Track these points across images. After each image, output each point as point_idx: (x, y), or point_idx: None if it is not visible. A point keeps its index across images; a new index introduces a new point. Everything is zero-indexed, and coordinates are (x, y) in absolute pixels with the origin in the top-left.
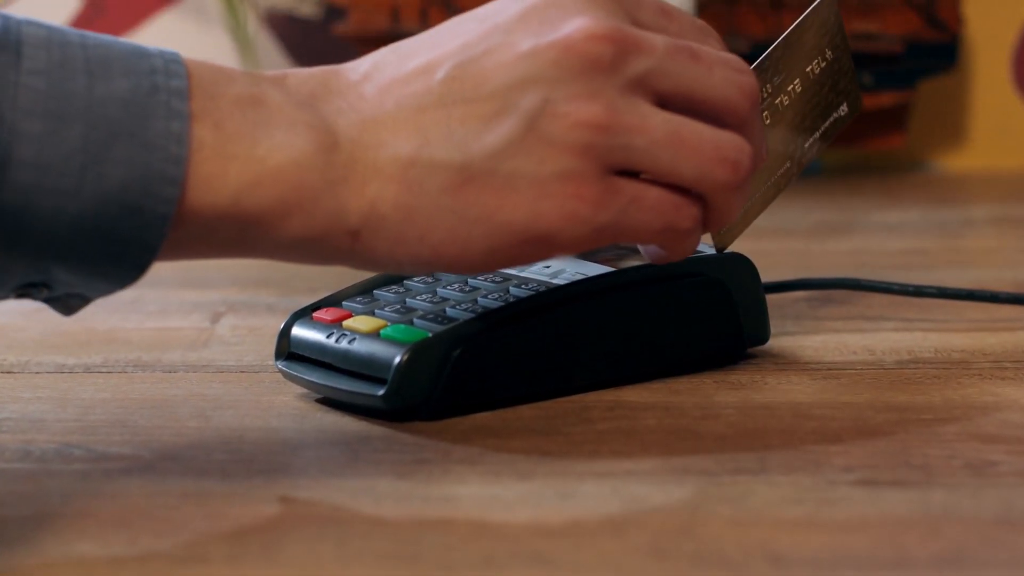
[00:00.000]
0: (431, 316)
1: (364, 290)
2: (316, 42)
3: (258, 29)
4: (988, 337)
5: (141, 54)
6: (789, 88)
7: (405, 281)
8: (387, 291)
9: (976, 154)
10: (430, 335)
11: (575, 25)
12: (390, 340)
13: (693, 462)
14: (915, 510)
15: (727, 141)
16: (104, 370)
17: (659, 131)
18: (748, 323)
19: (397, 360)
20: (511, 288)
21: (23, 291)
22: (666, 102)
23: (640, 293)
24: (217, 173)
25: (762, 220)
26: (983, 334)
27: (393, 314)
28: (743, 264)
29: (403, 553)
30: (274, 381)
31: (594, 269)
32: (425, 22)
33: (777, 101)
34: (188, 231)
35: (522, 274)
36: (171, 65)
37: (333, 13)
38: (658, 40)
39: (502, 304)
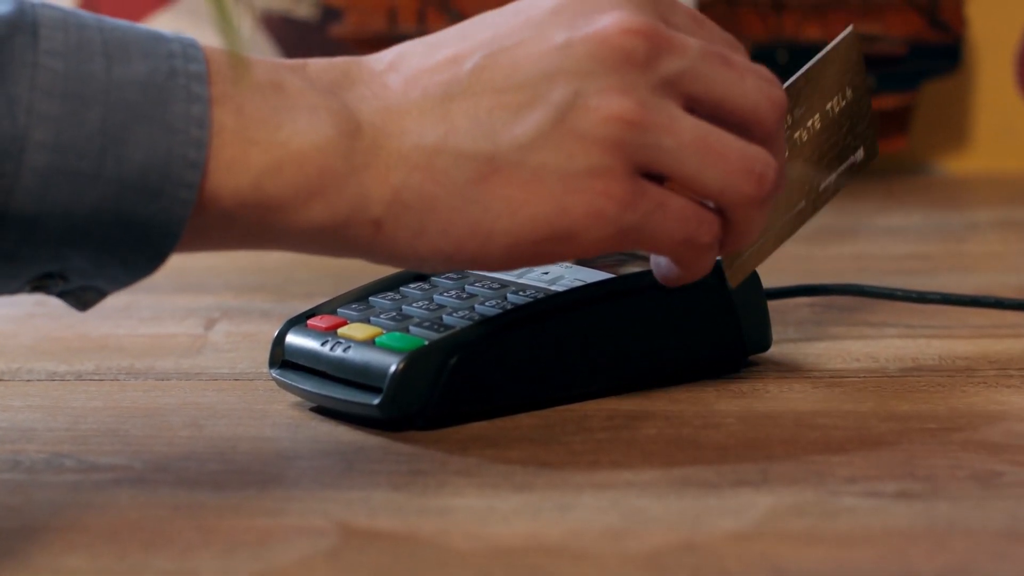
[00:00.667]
0: (427, 323)
1: (359, 297)
2: (313, 44)
3: (254, 31)
4: (993, 344)
5: (158, 38)
6: (808, 123)
7: (401, 288)
8: (383, 298)
9: (979, 157)
10: (426, 343)
11: (611, 19)
12: (386, 348)
13: (694, 473)
14: (920, 522)
15: (754, 153)
16: (96, 378)
17: (688, 134)
18: (749, 330)
19: (393, 368)
20: (509, 295)
21: (39, 283)
22: (695, 106)
23: (640, 300)
24: (239, 157)
25: None
26: (988, 341)
27: (389, 321)
28: None
29: (398, 567)
30: (268, 389)
31: (593, 275)
32: (423, 23)
33: (796, 135)
34: (209, 217)
35: (520, 280)
36: (189, 50)
37: (330, 14)
38: (692, 42)
39: (500, 311)
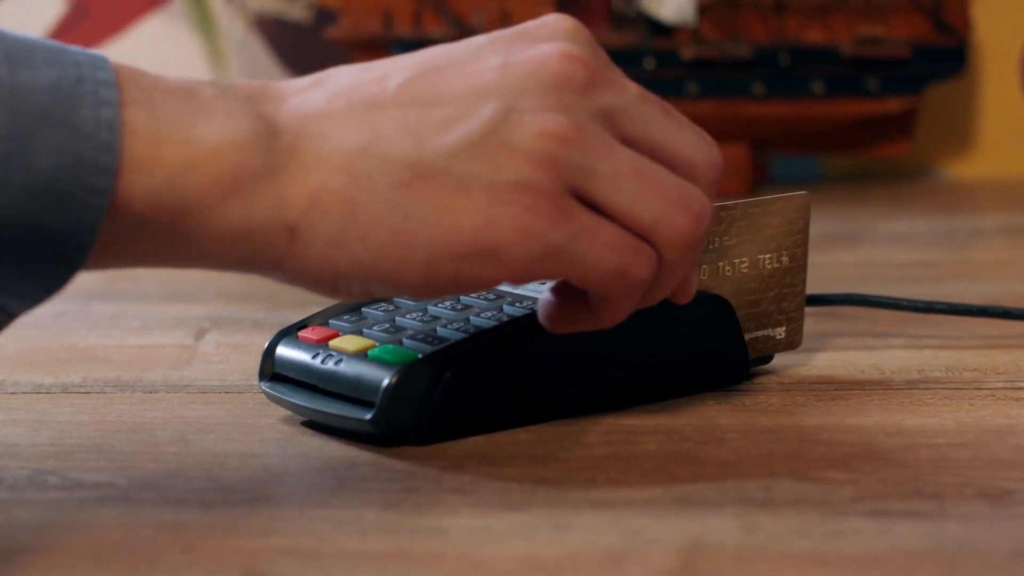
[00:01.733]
0: (421, 336)
1: (352, 308)
2: (307, 46)
3: (247, 33)
4: (1001, 355)
5: (63, 49)
6: (736, 261)
7: (395, 299)
8: (376, 309)
9: (985, 161)
10: (420, 356)
11: (550, 46)
12: (378, 361)
13: (695, 491)
14: (928, 543)
15: (692, 190)
16: (82, 390)
17: (624, 163)
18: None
19: (385, 382)
20: (505, 306)
21: None
22: (631, 147)
23: (640, 311)
24: (151, 156)
25: None
26: (995, 351)
27: (382, 334)
28: None
29: None
30: (258, 402)
31: None
32: (419, 26)
33: (721, 264)
34: (121, 223)
35: (516, 291)
36: (96, 60)
37: (324, 17)
38: (631, 83)
39: (496, 323)
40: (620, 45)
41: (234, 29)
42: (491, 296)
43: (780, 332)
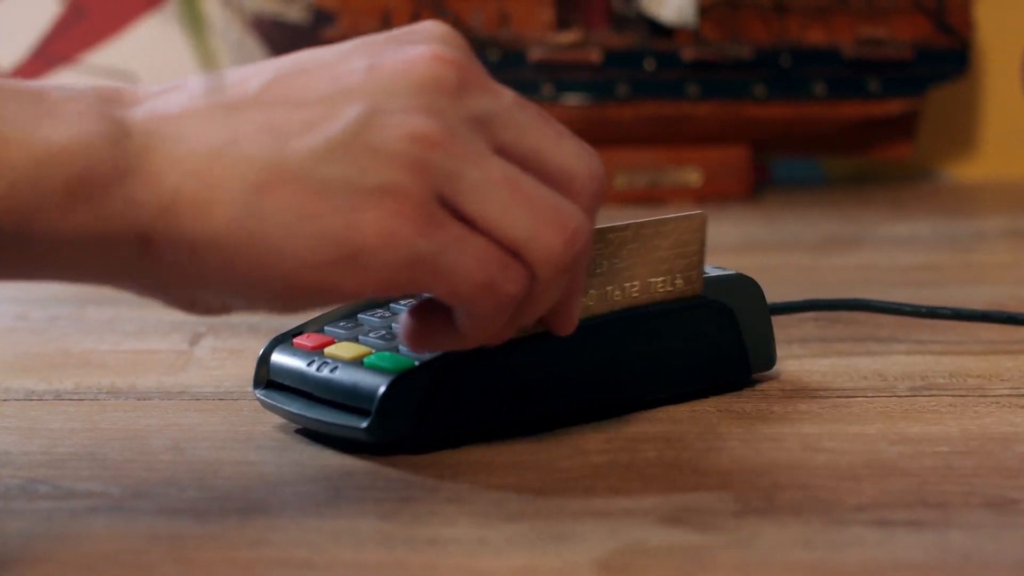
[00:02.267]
0: None
1: (348, 314)
2: (304, 47)
3: (244, 34)
4: (1005, 360)
5: None
6: (627, 284)
7: (391, 305)
8: (372, 316)
9: (987, 163)
10: (417, 363)
11: (421, 48)
12: (374, 369)
13: (696, 500)
14: (932, 554)
15: (568, 208)
16: (75, 397)
17: (496, 172)
18: (753, 348)
19: (381, 390)
20: None
21: None
22: (507, 157)
23: (640, 317)
24: None
25: (766, 233)
26: (1000, 357)
27: (378, 340)
28: (748, 286)
29: None
30: (253, 409)
31: None
32: None
33: (610, 288)
34: None
35: None
36: None
37: (322, 18)
38: (506, 90)
39: None
40: (620, 46)
41: (231, 30)
42: None
43: None
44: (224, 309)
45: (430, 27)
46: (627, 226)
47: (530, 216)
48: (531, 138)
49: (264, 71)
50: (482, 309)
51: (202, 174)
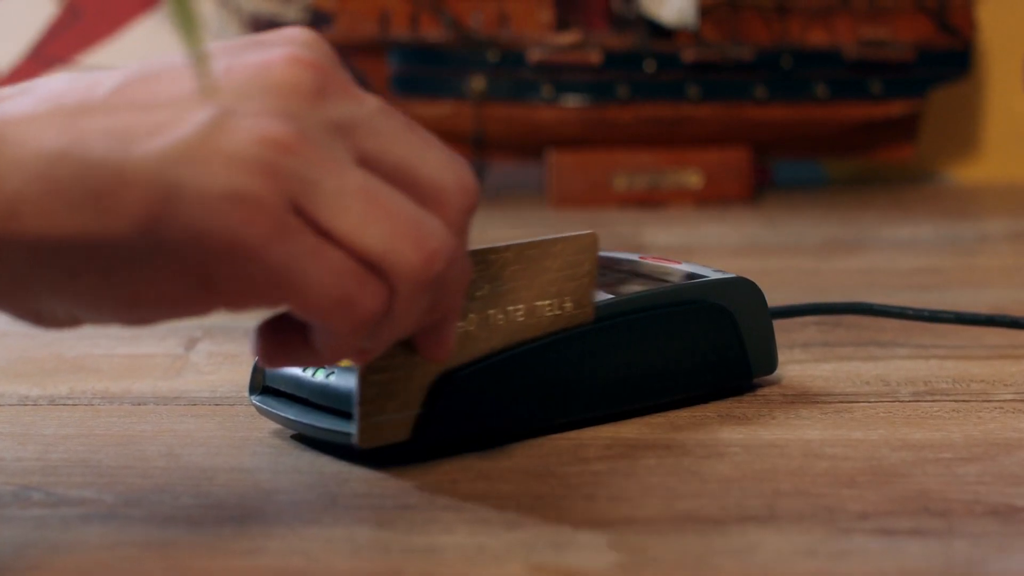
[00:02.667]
0: None
1: None
2: None
3: (241, 36)
4: (1009, 365)
5: None
6: (511, 308)
7: None
8: None
9: (990, 165)
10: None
11: (279, 50)
12: None
13: (697, 507)
14: (936, 563)
15: (430, 224)
16: (70, 402)
17: (354, 182)
18: (754, 352)
19: None
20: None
21: None
22: (370, 167)
23: (639, 321)
24: None
25: (767, 235)
26: (1003, 362)
27: None
28: (749, 289)
29: None
30: (249, 415)
31: None
32: (415, 28)
33: (492, 312)
34: None
35: None
36: None
37: (319, 19)
38: (370, 96)
39: None
40: (620, 47)
41: (228, 31)
42: None
43: None
44: (73, 322)
45: (294, 31)
46: (509, 247)
47: (388, 230)
48: (396, 148)
49: (116, 75)
50: (338, 326)
51: (45, 177)
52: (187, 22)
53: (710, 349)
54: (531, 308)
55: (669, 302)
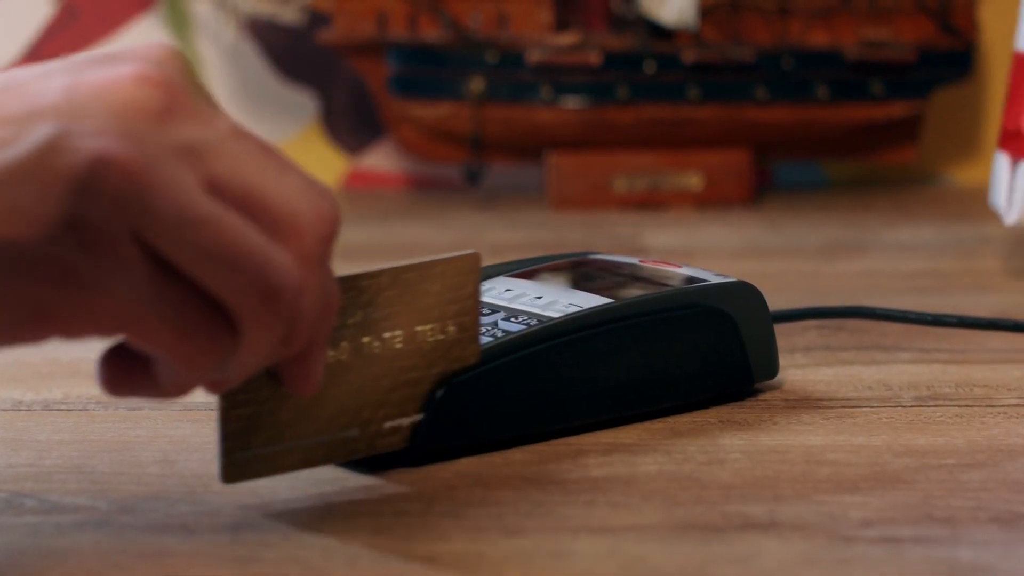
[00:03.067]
0: None
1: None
2: (300, 50)
3: (238, 37)
4: (1012, 370)
5: None
6: (387, 335)
7: None
8: None
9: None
10: None
11: (127, 67)
12: None
13: (697, 515)
14: (940, 571)
15: (275, 257)
16: (64, 407)
17: (196, 209)
18: (755, 357)
19: None
20: (500, 321)
21: None
22: (219, 194)
23: (639, 326)
24: None
25: (768, 238)
26: (1007, 366)
27: None
28: (750, 294)
29: None
30: None
31: (590, 300)
32: (414, 29)
33: (366, 340)
34: None
35: (512, 305)
36: None
37: (317, 20)
38: (224, 119)
39: (491, 339)
40: (620, 48)
41: (225, 32)
42: (486, 311)
43: None
44: None
45: (149, 47)
46: (383, 271)
47: (228, 260)
48: (246, 173)
49: None
50: (178, 364)
51: None
52: (180, 24)
53: (711, 354)
54: (410, 334)
55: (669, 307)
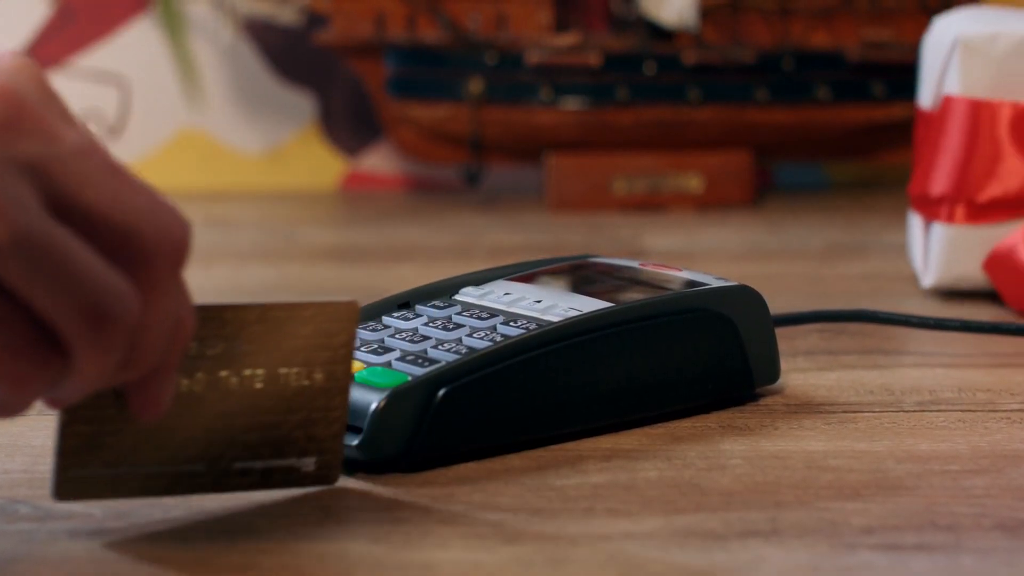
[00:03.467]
0: (411, 357)
1: None
2: (298, 51)
3: (236, 38)
4: (1015, 374)
5: None
6: (247, 372)
7: (384, 317)
8: (364, 329)
9: None
10: (410, 379)
11: None
12: (366, 384)
13: (698, 522)
14: None
15: (111, 283)
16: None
17: (30, 229)
18: (756, 361)
19: (373, 406)
20: (499, 325)
21: None
22: (60, 212)
23: (639, 330)
24: None
25: (768, 240)
26: (1009, 370)
27: (370, 355)
28: (751, 297)
29: None
30: None
31: (590, 304)
32: (412, 30)
33: (224, 374)
34: None
35: (511, 309)
36: None
37: (315, 21)
38: (72, 134)
39: (490, 343)
40: (620, 49)
41: (223, 33)
42: (485, 315)
43: (309, 463)
44: None
45: (4, 57)
46: (251, 306)
47: (59, 287)
48: (91, 193)
49: None
50: (5, 384)
51: None
52: (172, 24)
53: (711, 358)
54: (273, 375)
55: (670, 311)
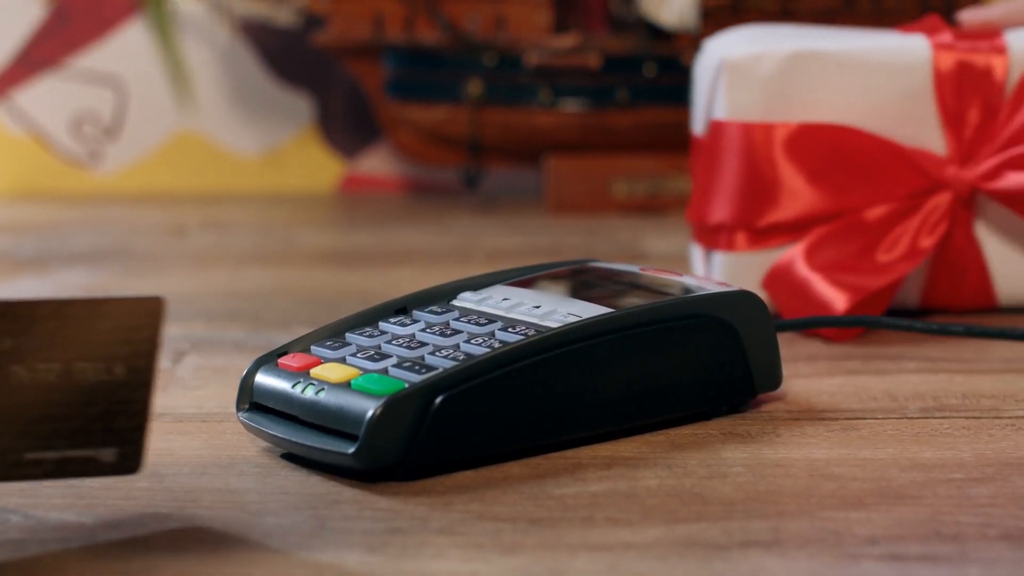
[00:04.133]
0: (408, 364)
1: (335, 333)
2: (295, 52)
3: (233, 39)
4: (1019, 380)
5: None
6: (41, 367)
7: (380, 323)
8: (360, 334)
9: None
10: (407, 386)
11: None
12: (362, 391)
13: (699, 532)
14: None
15: None
16: None
17: None
18: (758, 367)
19: (370, 414)
20: (497, 332)
21: None
22: None
23: (640, 336)
24: None
25: None
26: (1014, 376)
27: (366, 361)
28: (752, 303)
29: None
30: (236, 432)
31: (589, 310)
32: (411, 31)
33: (15, 368)
34: None
35: (509, 315)
36: None
37: (313, 22)
38: None
39: (488, 350)
40: (619, 50)
41: (220, 35)
42: (483, 321)
43: (109, 454)
44: None
45: None
46: (45, 302)
47: None
48: None
49: None
50: None
51: None
52: (162, 25)
53: (712, 364)
54: (68, 369)
55: (670, 316)
